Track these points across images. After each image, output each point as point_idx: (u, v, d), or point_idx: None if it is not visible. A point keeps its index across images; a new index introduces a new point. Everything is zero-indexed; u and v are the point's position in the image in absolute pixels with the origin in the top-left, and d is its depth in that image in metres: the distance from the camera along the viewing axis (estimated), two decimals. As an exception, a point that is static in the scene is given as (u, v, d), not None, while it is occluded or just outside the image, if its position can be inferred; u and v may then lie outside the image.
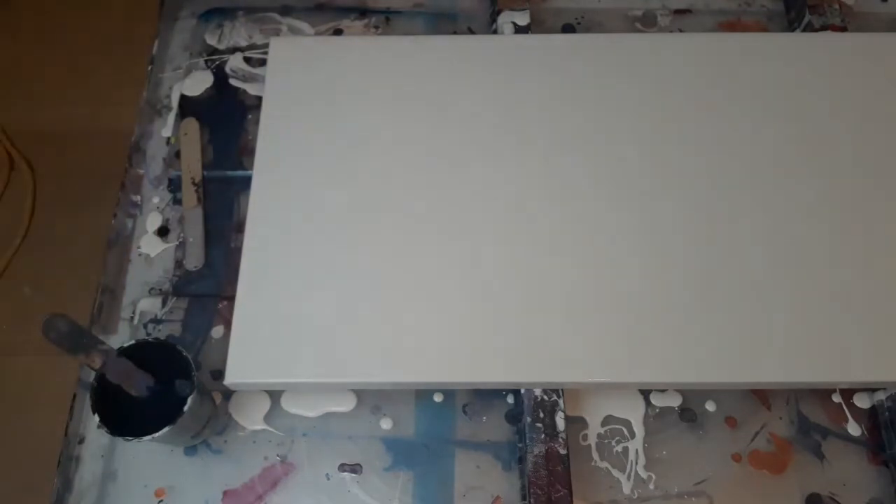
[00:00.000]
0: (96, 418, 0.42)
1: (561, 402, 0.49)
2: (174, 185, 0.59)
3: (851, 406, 0.51)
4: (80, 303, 0.54)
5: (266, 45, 0.63)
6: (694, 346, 0.48)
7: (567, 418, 0.48)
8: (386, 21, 0.66)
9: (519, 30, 0.62)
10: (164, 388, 0.44)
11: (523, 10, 0.63)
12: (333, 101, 0.57)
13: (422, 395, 0.52)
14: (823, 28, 0.61)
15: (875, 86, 0.57)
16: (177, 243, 0.56)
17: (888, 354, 0.48)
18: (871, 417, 0.51)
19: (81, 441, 0.50)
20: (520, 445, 0.49)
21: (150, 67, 0.62)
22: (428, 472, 0.49)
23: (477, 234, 0.52)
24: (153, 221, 0.57)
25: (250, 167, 0.55)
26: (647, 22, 0.66)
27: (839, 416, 0.51)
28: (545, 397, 0.49)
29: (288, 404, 0.51)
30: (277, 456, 0.50)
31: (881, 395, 0.50)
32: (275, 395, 0.51)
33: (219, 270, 0.55)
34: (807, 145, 0.55)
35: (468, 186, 0.53)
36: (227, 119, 0.61)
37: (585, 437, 0.50)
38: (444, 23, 0.66)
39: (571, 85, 0.57)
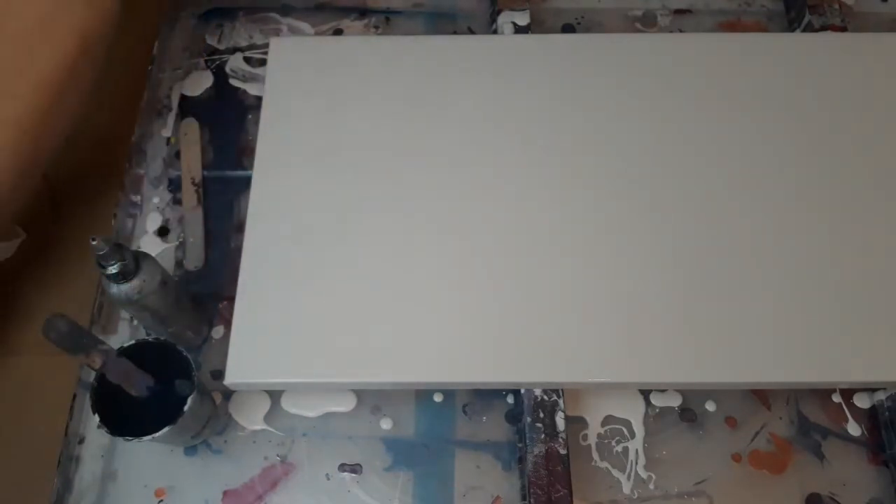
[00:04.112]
0: (96, 418, 0.42)
1: (561, 402, 0.49)
2: (174, 185, 0.59)
3: (851, 406, 0.51)
4: (80, 303, 0.54)
5: (266, 45, 0.63)
6: (694, 346, 0.48)
7: (567, 418, 0.48)
8: (386, 21, 0.66)
9: (519, 30, 0.62)
10: (164, 388, 0.43)
11: (523, 10, 0.63)
12: (333, 101, 0.56)
13: (422, 395, 0.52)
14: (823, 28, 0.61)
15: (875, 86, 0.57)
16: (177, 243, 0.56)
17: (888, 354, 0.48)
18: (871, 417, 0.51)
19: (81, 441, 0.50)
20: (520, 445, 0.49)
21: (150, 67, 0.62)
22: (428, 472, 0.49)
23: (477, 234, 0.52)
24: (153, 221, 0.57)
25: (250, 167, 0.55)
26: (647, 22, 0.66)
27: (839, 416, 0.51)
28: (545, 397, 0.49)
29: (288, 404, 0.51)
30: (277, 456, 0.50)
31: (881, 395, 0.50)
32: (275, 395, 0.51)
33: (219, 270, 0.55)
34: (807, 145, 0.55)
35: (468, 186, 0.53)
36: (227, 119, 0.61)
37: (585, 437, 0.50)
38: (444, 23, 0.66)
39: (571, 85, 0.57)
